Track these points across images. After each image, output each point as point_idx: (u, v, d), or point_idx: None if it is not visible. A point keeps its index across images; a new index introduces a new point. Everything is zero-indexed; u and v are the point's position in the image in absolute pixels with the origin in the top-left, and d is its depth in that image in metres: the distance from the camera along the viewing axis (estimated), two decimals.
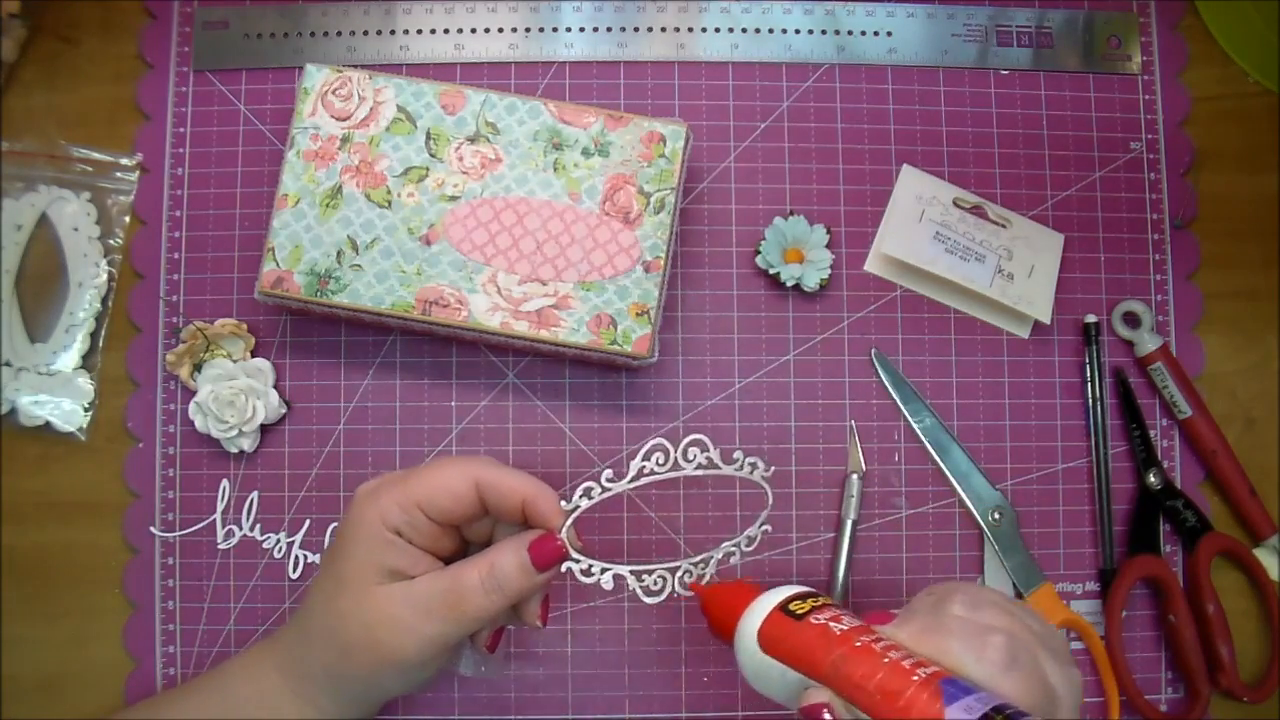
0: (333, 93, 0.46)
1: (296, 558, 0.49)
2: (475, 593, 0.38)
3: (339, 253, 0.46)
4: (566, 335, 0.45)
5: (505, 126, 0.46)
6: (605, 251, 0.45)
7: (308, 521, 0.49)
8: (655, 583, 0.41)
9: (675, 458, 0.39)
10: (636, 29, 0.53)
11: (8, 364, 0.50)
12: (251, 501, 0.49)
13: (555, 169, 0.46)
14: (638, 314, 0.45)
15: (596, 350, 0.45)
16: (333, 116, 0.46)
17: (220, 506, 0.49)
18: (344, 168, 0.46)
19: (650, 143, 0.46)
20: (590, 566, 0.40)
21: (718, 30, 0.53)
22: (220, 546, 0.49)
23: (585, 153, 0.46)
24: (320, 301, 0.45)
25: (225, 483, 0.49)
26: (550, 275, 0.45)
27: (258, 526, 0.49)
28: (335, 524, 0.45)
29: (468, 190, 0.46)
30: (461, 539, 0.42)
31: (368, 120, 0.46)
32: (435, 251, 0.46)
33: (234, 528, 0.49)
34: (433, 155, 0.46)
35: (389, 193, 0.46)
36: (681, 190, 0.47)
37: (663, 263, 0.45)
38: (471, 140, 0.46)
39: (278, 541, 0.49)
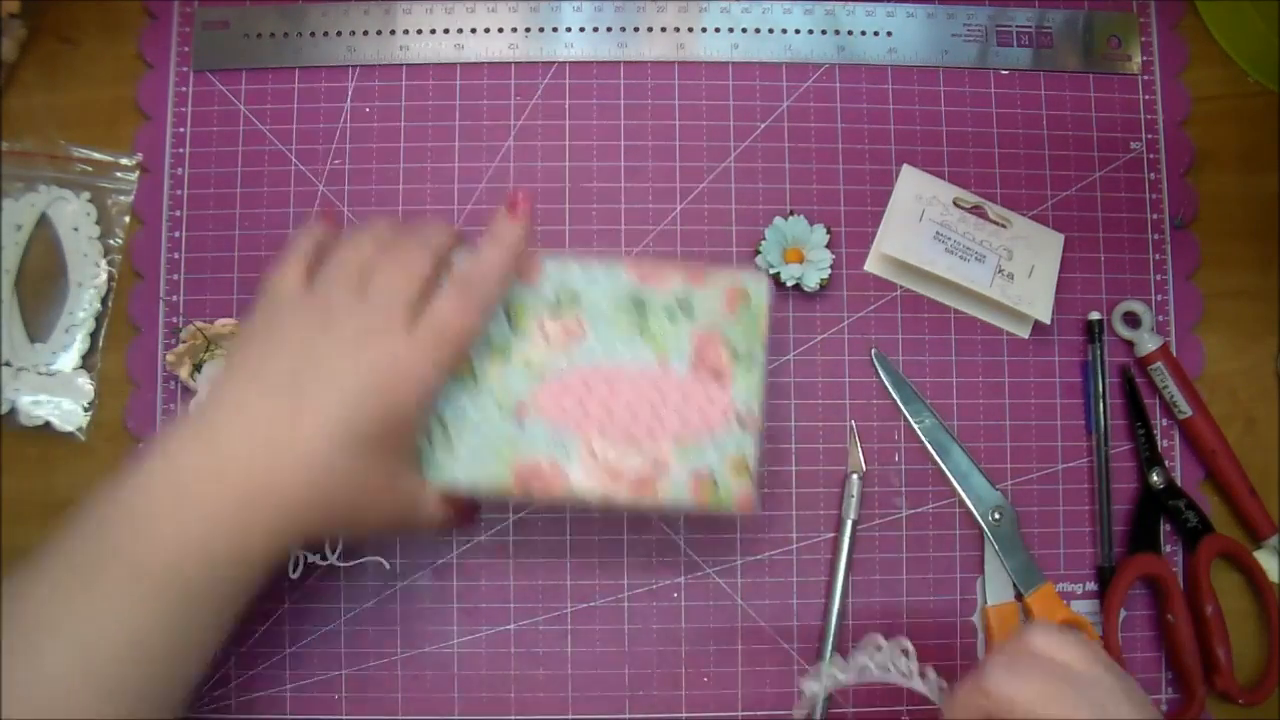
0: None
1: (296, 558, 0.49)
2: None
3: (429, 435, 0.44)
4: (668, 498, 0.44)
5: (585, 294, 0.45)
6: (699, 411, 0.44)
7: None
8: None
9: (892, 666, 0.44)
10: (636, 29, 0.53)
11: (8, 364, 0.50)
12: None
13: (641, 334, 0.44)
14: (737, 470, 0.44)
15: (700, 510, 0.45)
16: None
17: None
18: None
19: (734, 298, 0.45)
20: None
21: (718, 30, 0.53)
22: None
23: (669, 314, 0.45)
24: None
25: None
26: (646, 439, 0.44)
27: None
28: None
29: (554, 363, 0.44)
30: None
31: None
32: (528, 426, 0.44)
33: None
34: (515, 330, 0.45)
35: (474, 371, 0.44)
36: (769, 342, 0.45)
37: (758, 418, 0.44)
38: (553, 312, 0.45)
39: None
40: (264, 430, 0.37)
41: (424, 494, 0.41)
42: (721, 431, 0.44)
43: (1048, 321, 0.50)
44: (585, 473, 0.44)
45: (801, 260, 0.50)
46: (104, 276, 0.50)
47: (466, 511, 0.44)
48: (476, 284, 0.41)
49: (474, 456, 0.44)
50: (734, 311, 0.45)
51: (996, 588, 0.50)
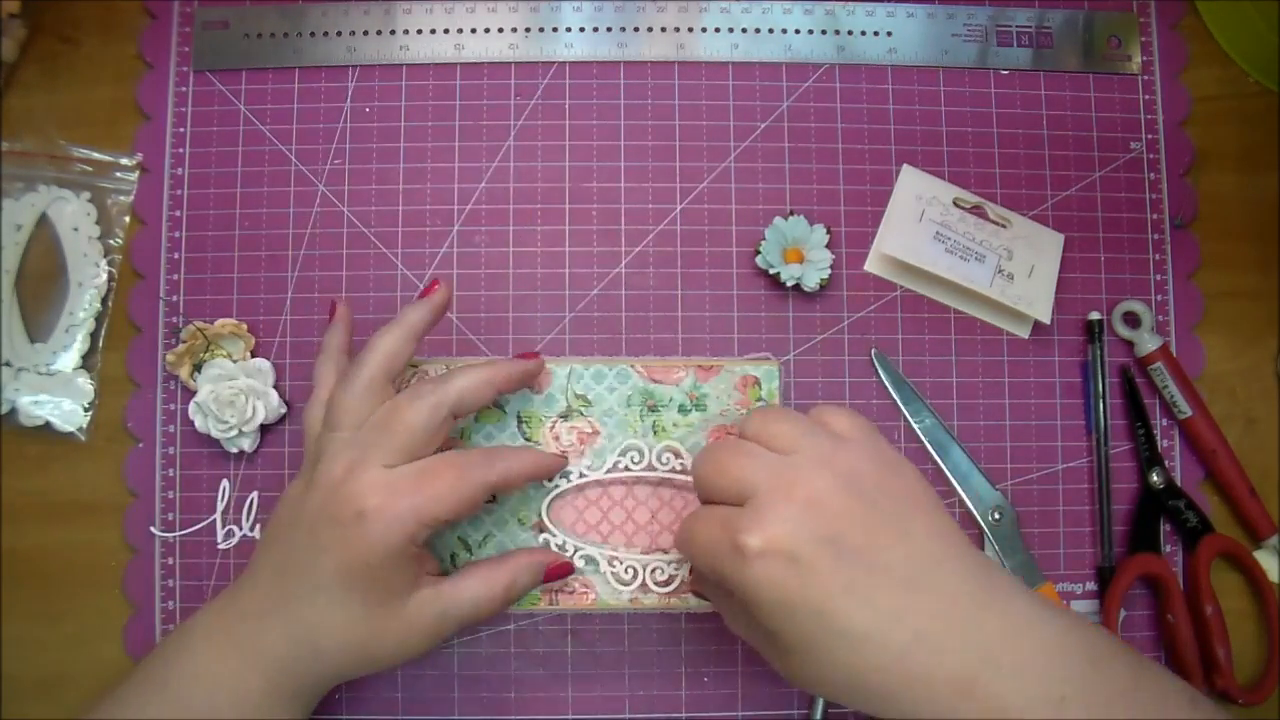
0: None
1: None
2: (497, 602, 0.41)
3: (453, 555, 0.44)
4: (698, 601, 0.44)
5: (596, 396, 0.45)
6: None
7: None
8: (626, 571, 0.43)
9: (650, 460, 0.44)
10: (636, 29, 0.53)
11: (8, 364, 0.50)
12: (251, 501, 0.49)
13: (655, 432, 0.45)
14: None
15: (677, 609, 0.45)
16: None
17: (220, 506, 0.49)
18: None
19: (745, 387, 0.45)
20: (565, 543, 0.43)
21: (718, 30, 0.53)
22: (220, 546, 0.49)
23: (682, 409, 0.45)
24: None
25: (225, 483, 0.49)
26: (670, 543, 0.45)
27: (257, 527, 0.49)
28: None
29: (572, 469, 0.45)
30: None
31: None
32: (549, 539, 0.45)
33: (234, 528, 0.49)
34: (528, 439, 0.45)
35: None
36: None
37: None
38: (564, 417, 0.45)
39: None
40: (270, 593, 0.40)
41: (448, 601, 0.41)
42: None
43: (1048, 321, 0.50)
44: (612, 585, 0.44)
45: (801, 260, 0.50)
46: (104, 276, 0.50)
47: (558, 571, 0.44)
48: (481, 454, 0.41)
49: None
50: (747, 402, 0.45)
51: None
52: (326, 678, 0.41)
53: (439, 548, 0.45)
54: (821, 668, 0.34)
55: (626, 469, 0.44)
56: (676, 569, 0.44)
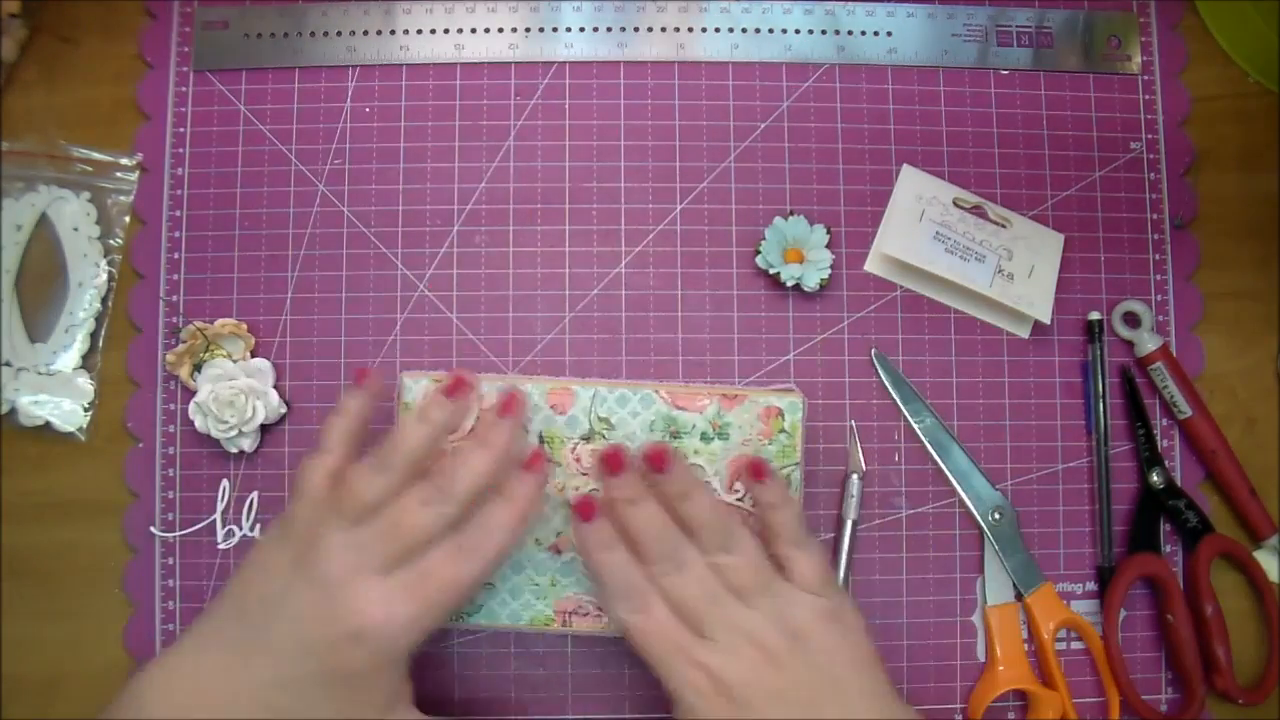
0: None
1: None
2: None
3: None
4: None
5: (619, 420, 0.45)
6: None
7: None
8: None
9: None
10: (636, 29, 0.53)
11: (8, 364, 0.50)
12: (251, 501, 0.49)
13: None
14: None
15: None
16: None
17: (220, 506, 0.49)
18: None
19: (768, 418, 0.45)
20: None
21: (718, 30, 0.53)
22: (220, 546, 0.49)
23: (704, 438, 0.45)
24: (458, 626, 0.44)
25: (225, 483, 0.49)
26: None
27: (257, 527, 0.49)
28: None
29: (591, 492, 0.44)
30: None
31: (476, 429, 0.44)
32: (567, 560, 0.44)
33: (234, 528, 0.49)
34: (549, 460, 0.44)
35: None
36: (803, 464, 0.45)
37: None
38: (586, 439, 0.45)
39: None
40: (227, 662, 0.38)
41: None
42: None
43: (1048, 321, 0.50)
44: None
45: (801, 260, 0.50)
46: (104, 276, 0.50)
47: None
48: (478, 542, 0.40)
49: (515, 595, 0.45)
50: (770, 434, 0.45)
51: (996, 588, 0.50)
52: None
53: None
54: None
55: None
56: None
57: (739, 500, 0.45)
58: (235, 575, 0.40)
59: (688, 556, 0.41)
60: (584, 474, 0.45)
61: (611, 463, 0.42)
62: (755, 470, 0.43)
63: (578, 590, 0.44)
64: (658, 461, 0.41)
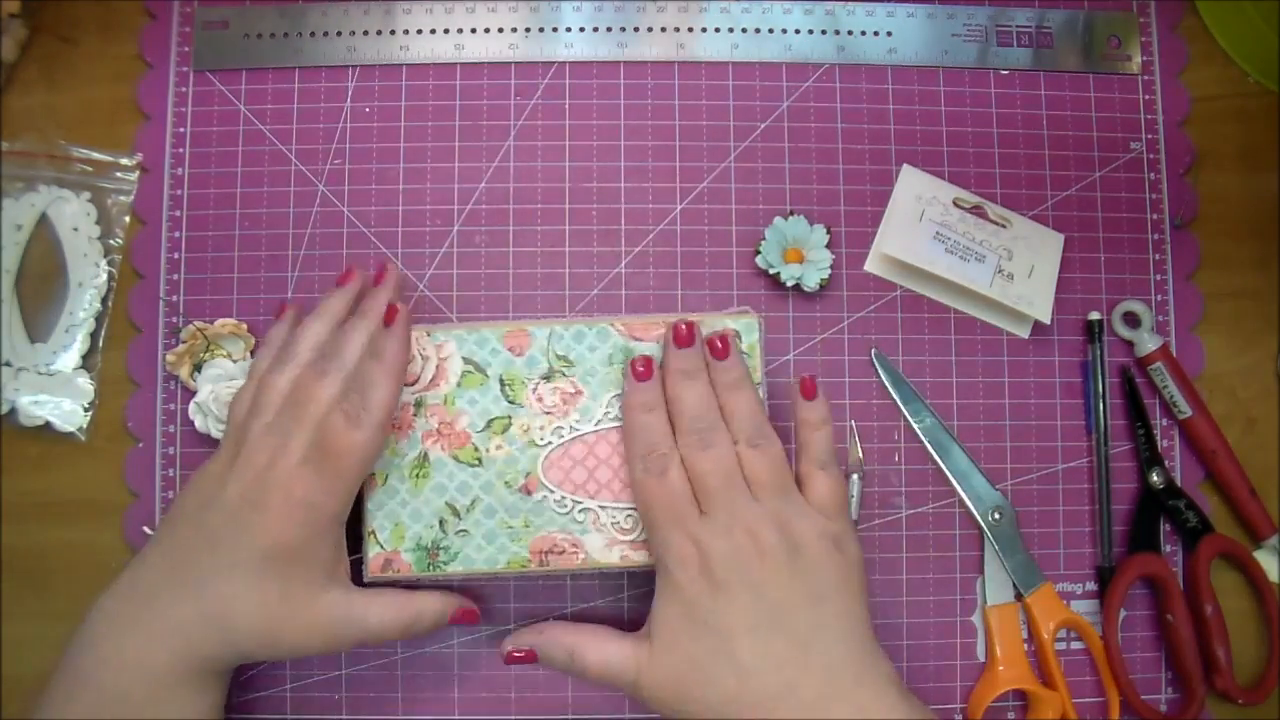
0: None
1: None
2: (399, 629, 0.43)
3: (441, 521, 0.44)
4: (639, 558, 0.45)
5: (577, 356, 0.45)
6: None
7: None
8: (626, 520, 0.44)
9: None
10: (636, 29, 0.53)
11: (8, 364, 0.50)
12: None
13: None
14: None
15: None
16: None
17: None
18: (424, 433, 0.45)
19: None
20: (564, 498, 0.44)
21: (718, 30, 0.53)
22: None
23: (664, 366, 0.45)
24: (434, 575, 0.45)
25: None
26: None
27: None
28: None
29: (555, 430, 0.45)
30: None
31: (436, 380, 0.45)
32: (538, 500, 0.45)
33: None
34: (511, 402, 0.45)
35: (476, 450, 0.45)
36: (765, 381, 0.46)
37: None
38: (547, 378, 0.45)
39: None
40: (173, 566, 0.41)
41: (355, 610, 0.42)
42: None
43: (1048, 321, 0.50)
44: (602, 543, 0.44)
45: (801, 260, 0.50)
46: (104, 276, 0.50)
47: (465, 616, 0.45)
48: (360, 402, 0.42)
49: (490, 540, 0.44)
50: None
51: (996, 588, 0.50)
52: (230, 658, 0.41)
53: (426, 513, 0.45)
54: (697, 679, 0.40)
55: (616, 419, 0.45)
56: None
57: None
58: (198, 476, 0.43)
59: (718, 439, 0.42)
60: (548, 413, 0.45)
61: (681, 337, 0.44)
62: (806, 388, 0.44)
63: (550, 529, 0.45)
64: (721, 347, 0.44)
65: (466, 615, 0.45)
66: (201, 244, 0.51)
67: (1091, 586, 0.50)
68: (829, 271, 0.50)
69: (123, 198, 0.51)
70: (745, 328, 0.45)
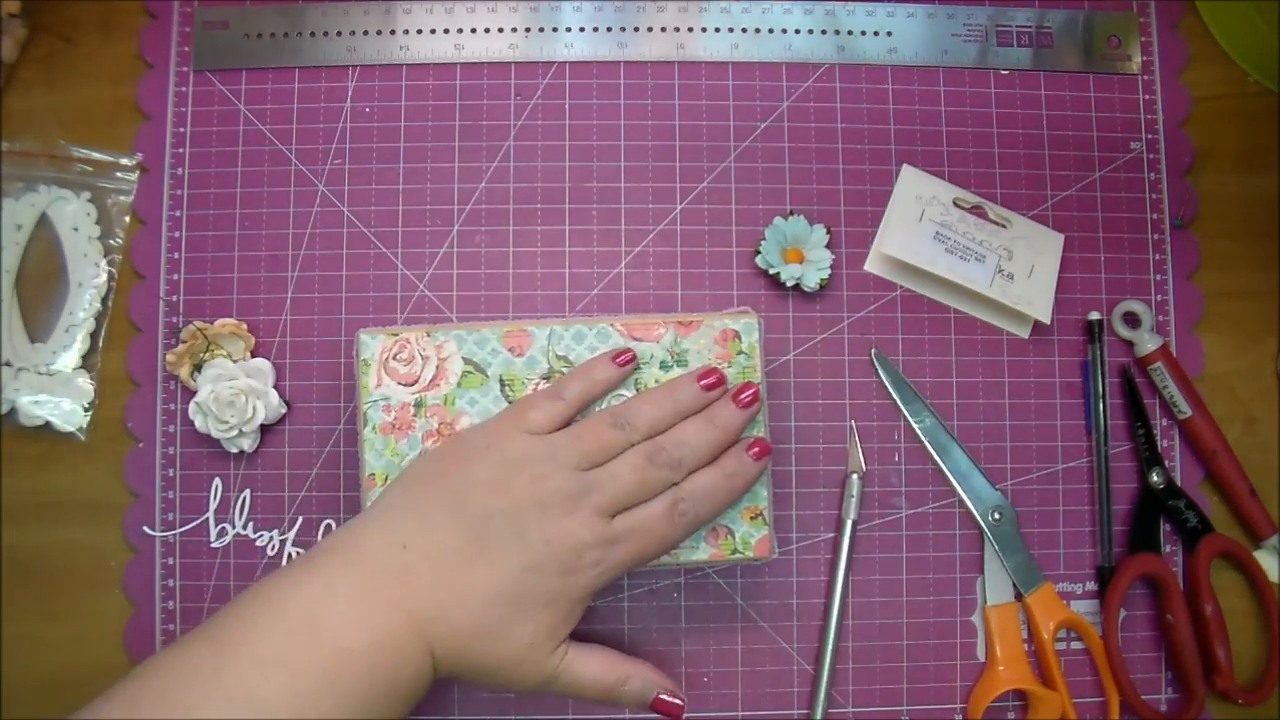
0: (393, 358, 0.45)
1: (289, 555, 0.49)
2: (601, 691, 0.42)
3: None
4: (688, 555, 0.44)
5: (577, 356, 0.45)
6: None
7: (300, 520, 0.49)
8: None
9: None
10: (636, 29, 0.53)
11: (8, 364, 0.50)
12: (246, 501, 0.49)
13: (637, 388, 0.45)
14: (751, 517, 0.44)
15: (720, 563, 0.45)
16: (399, 383, 0.44)
17: (214, 505, 0.49)
18: (425, 434, 0.44)
19: (725, 341, 0.45)
20: None
21: (718, 30, 0.53)
22: (213, 545, 0.49)
23: (663, 366, 0.45)
24: None
25: (218, 482, 0.49)
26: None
27: (251, 525, 0.49)
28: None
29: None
30: None
31: (436, 380, 0.45)
32: None
33: (227, 526, 0.49)
34: (511, 402, 0.45)
35: None
36: (765, 381, 0.46)
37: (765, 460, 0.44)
38: (546, 378, 0.45)
39: (270, 539, 0.49)
40: (445, 567, 0.39)
41: (550, 668, 0.41)
42: None
43: (1048, 321, 0.50)
44: None
45: (801, 260, 0.50)
46: (104, 276, 0.50)
47: (667, 709, 0.43)
48: (692, 503, 0.42)
49: None
50: (728, 356, 0.45)
51: (996, 588, 0.50)
52: (442, 666, 0.39)
53: None
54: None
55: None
56: None
57: None
58: (429, 480, 0.41)
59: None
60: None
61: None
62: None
63: None
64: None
65: (669, 708, 0.43)
66: (201, 244, 0.51)
67: (1091, 586, 0.50)
68: (829, 271, 0.50)
69: (123, 198, 0.51)
70: (745, 328, 0.45)
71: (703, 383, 0.43)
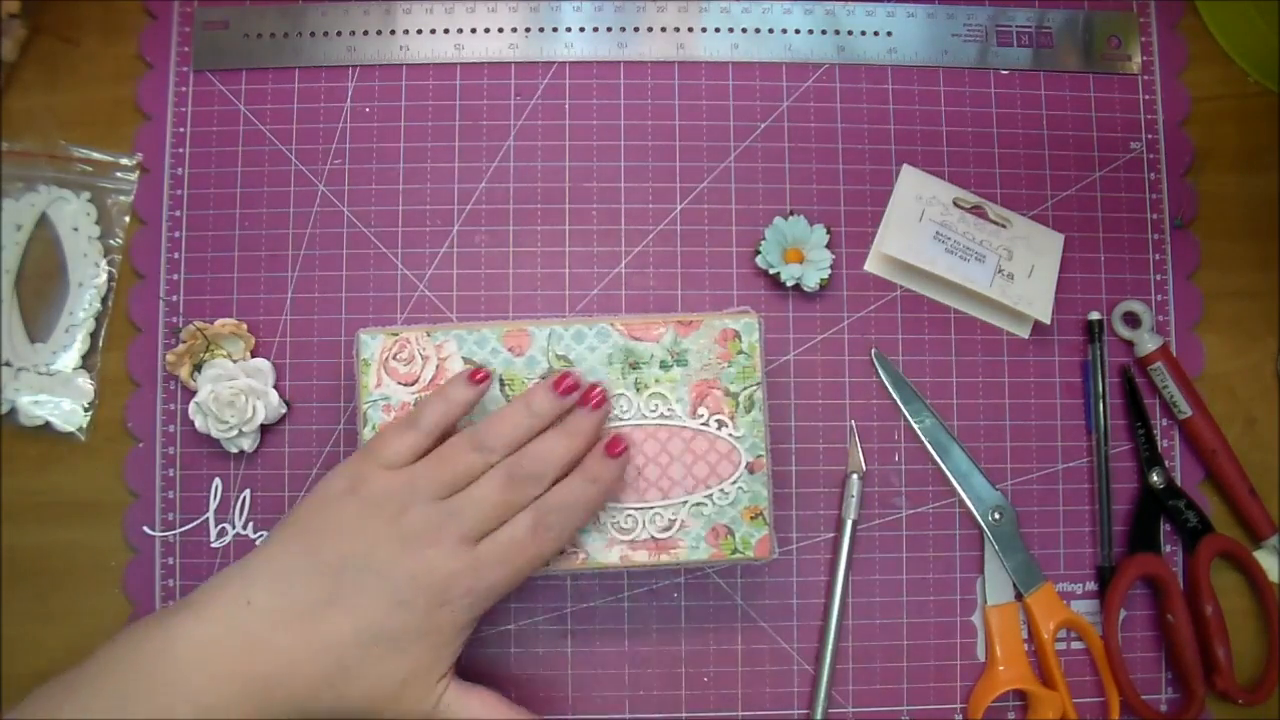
0: (393, 358, 0.44)
1: None
2: None
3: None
4: (687, 555, 0.44)
5: (577, 356, 0.45)
6: (706, 462, 0.44)
7: None
8: (626, 520, 0.44)
9: (640, 408, 0.45)
10: (636, 29, 0.53)
11: (8, 364, 0.50)
12: (246, 501, 0.49)
13: (637, 389, 0.45)
14: (752, 517, 0.44)
15: (720, 563, 0.45)
16: (399, 383, 0.44)
17: (214, 505, 0.49)
18: None
19: (725, 341, 0.45)
20: None
21: (718, 30, 0.53)
22: (213, 545, 0.49)
23: (664, 366, 0.45)
24: None
25: (218, 482, 0.49)
26: (658, 498, 0.45)
27: (251, 525, 0.49)
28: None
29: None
30: None
31: (436, 380, 0.44)
32: None
33: (227, 526, 0.49)
34: (510, 402, 0.44)
35: None
36: (765, 380, 0.46)
37: (765, 460, 0.45)
38: (546, 378, 0.45)
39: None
40: (295, 621, 0.39)
41: (429, 704, 0.40)
42: (731, 481, 0.44)
43: (1048, 321, 0.50)
44: (602, 544, 0.44)
45: (801, 260, 0.50)
46: (104, 276, 0.50)
47: None
48: (557, 515, 0.41)
49: None
50: (728, 355, 0.45)
51: (996, 588, 0.50)
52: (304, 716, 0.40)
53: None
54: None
55: (617, 419, 0.44)
56: (675, 513, 0.44)
57: (703, 425, 0.45)
58: (289, 532, 0.41)
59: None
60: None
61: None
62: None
63: None
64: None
65: None
66: (201, 244, 0.51)
67: (1091, 586, 0.50)
68: (829, 271, 0.50)
69: (123, 198, 0.51)
70: (745, 328, 0.45)
71: (559, 389, 0.43)
